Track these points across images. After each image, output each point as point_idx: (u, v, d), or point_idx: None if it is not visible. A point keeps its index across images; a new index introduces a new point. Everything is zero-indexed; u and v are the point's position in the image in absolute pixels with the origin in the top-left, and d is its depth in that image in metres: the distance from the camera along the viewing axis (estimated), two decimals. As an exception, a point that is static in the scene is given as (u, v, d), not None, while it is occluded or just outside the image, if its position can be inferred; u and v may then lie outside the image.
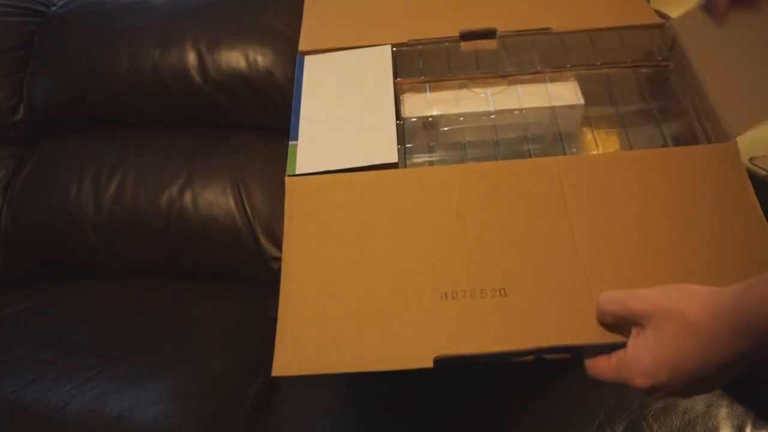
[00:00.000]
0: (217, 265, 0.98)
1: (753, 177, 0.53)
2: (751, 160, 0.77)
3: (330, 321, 0.47)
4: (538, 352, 0.46)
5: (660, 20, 0.64)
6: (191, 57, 1.03)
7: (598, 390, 0.65)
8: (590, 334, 0.45)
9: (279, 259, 0.51)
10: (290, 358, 0.46)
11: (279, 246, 0.51)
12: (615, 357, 0.43)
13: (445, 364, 0.45)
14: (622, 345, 0.43)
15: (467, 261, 0.48)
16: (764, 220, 0.48)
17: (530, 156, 0.57)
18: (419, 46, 0.65)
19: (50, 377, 0.76)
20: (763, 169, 0.75)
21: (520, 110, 0.60)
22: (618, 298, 0.43)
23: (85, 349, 0.81)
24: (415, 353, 0.45)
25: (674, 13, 0.64)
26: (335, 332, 0.46)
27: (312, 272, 0.49)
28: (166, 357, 0.79)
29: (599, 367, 0.44)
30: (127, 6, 1.07)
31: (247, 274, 0.98)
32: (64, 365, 0.78)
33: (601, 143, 0.57)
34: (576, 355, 0.47)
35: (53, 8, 1.12)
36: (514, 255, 0.48)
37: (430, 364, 0.44)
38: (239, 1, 1.05)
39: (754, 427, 0.62)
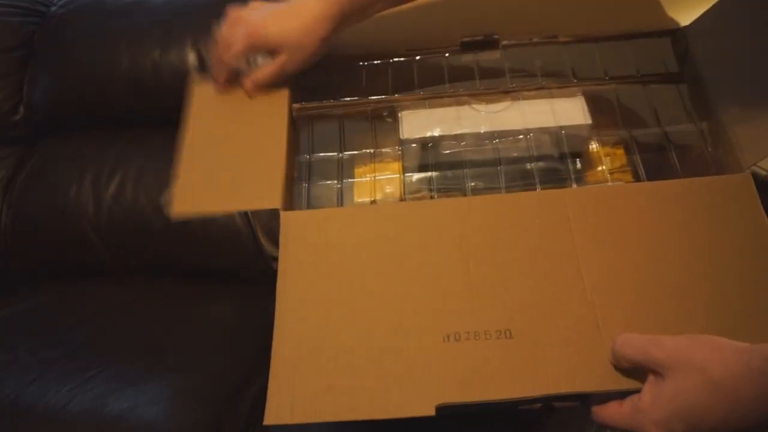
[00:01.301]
0: (217, 265, 0.98)
1: (754, 177, 0.51)
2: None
3: (325, 365, 0.45)
4: (547, 399, 0.43)
5: (672, 25, 0.61)
6: (191, 57, 1.03)
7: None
8: (601, 380, 0.42)
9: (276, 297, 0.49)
10: (283, 405, 0.44)
11: (278, 246, 0.50)
12: (629, 402, 0.41)
13: (448, 412, 0.43)
14: (634, 392, 0.41)
15: (470, 300, 0.46)
16: None
17: (534, 176, 0.54)
18: (418, 57, 0.62)
19: (50, 377, 0.76)
20: (763, 169, 0.74)
21: (524, 131, 0.57)
22: (638, 344, 0.41)
23: (85, 349, 0.81)
24: (416, 400, 0.43)
25: (686, 20, 0.60)
26: (331, 377, 0.44)
27: (307, 313, 0.47)
28: (166, 357, 0.79)
29: (610, 413, 0.42)
30: (127, 6, 1.07)
31: (247, 274, 0.97)
32: (64, 365, 0.78)
33: (607, 165, 0.54)
34: (586, 401, 0.44)
35: (53, 8, 1.12)
36: (519, 294, 0.46)
37: (432, 411, 0.42)
38: (239, 1, 1.05)
39: (753, 427, 0.62)
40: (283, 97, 0.59)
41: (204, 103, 0.60)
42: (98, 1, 1.09)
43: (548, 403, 0.44)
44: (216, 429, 0.72)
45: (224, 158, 0.56)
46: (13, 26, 1.11)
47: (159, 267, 0.99)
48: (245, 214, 0.98)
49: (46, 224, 1.01)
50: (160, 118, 1.06)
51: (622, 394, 0.42)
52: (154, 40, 1.03)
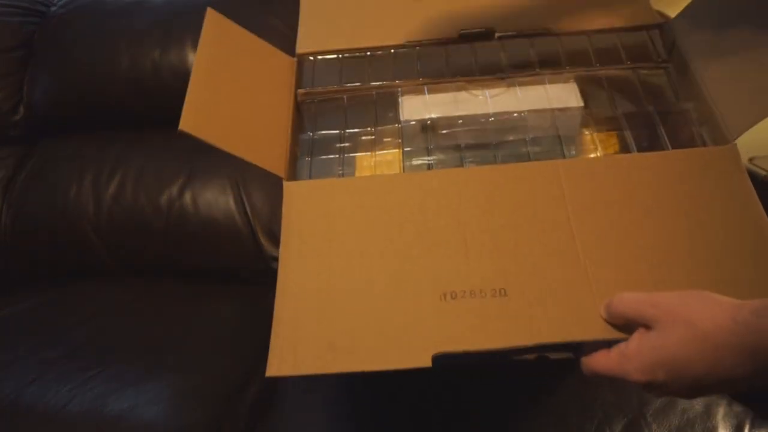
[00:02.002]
0: (217, 265, 0.98)
1: (753, 177, 0.53)
2: (751, 160, 0.77)
3: (326, 322, 0.47)
4: (540, 349, 0.45)
5: (660, 20, 0.64)
6: (191, 57, 1.03)
7: (598, 389, 0.65)
8: (593, 330, 0.44)
9: (278, 259, 0.51)
10: (285, 358, 0.45)
11: (279, 246, 0.51)
12: (615, 350, 0.43)
13: (444, 363, 0.44)
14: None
15: (466, 263, 0.48)
16: (767, 221, 0.48)
17: (529, 159, 0.56)
18: (417, 48, 0.65)
19: (50, 377, 0.76)
20: (763, 169, 0.75)
21: (519, 113, 0.59)
22: (632, 302, 0.42)
23: (85, 349, 0.81)
24: (414, 353, 0.45)
25: (673, 13, 0.64)
26: (331, 333, 0.46)
27: (308, 274, 0.49)
28: (165, 357, 0.79)
29: (597, 360, 0.44)
30: (127, 6, 1.08)
31: (247, 274, 0.98)
32: (64, 365, 0.78)
33: (600, 145, 0.57)
34: (579, 355, 0.46)
35: (53, 8, 1.12)
36: (514, 256, 0.48)
37: (428, 363, 0.44)
38: (239, 1, 1.05)
39: (752, 426, 0.62)
40: (288, 82, 0.62)
41: (217, 41, 0.60)
42: (98, 1, 1.09)
43: (542, 353, 0.46)
44: (216, 429, 0.72)
45: (233, 110, 0.57)
46: (13, 26, 1.11)
47: (159, 267, 0.99)
48: (245, 213, 0.98)
49: (46, 224, 1.01)
50: (160, 118, 1.06)
51: (610, 345, 0.43)
52: (154, 40, 1.03)
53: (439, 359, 0.44)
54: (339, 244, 0.50)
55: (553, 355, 0.47)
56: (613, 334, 0.44)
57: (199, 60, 0.56)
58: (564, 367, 0.68)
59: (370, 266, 0.49)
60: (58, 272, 1.01)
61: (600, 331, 0.44)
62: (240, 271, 0.98)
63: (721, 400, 0.64)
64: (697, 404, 0.64)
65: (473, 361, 0.46)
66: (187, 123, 0.51)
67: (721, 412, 0.63)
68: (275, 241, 0.96)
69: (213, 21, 0.59)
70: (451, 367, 0.45)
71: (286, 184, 0.53)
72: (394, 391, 0.68)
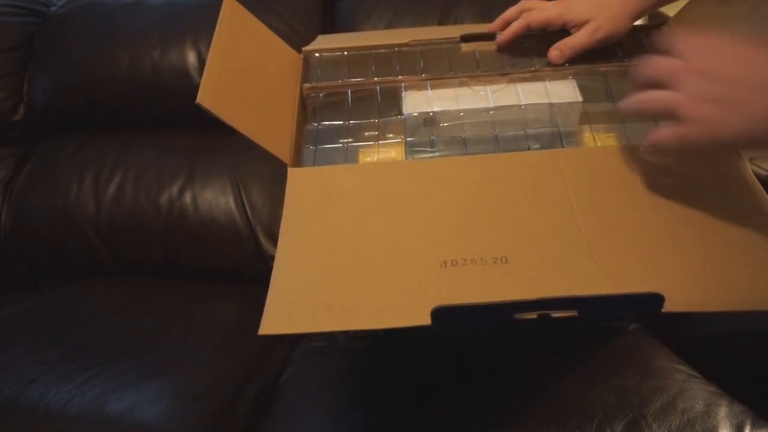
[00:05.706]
0: (217, 265, 0.98)
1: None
2: (751, 160, 0.77)
3: (324, 285, 0.47)
4: (542, 304, 0.44)
5: (658, 21, 0.65)
6: (191, 57, 1.03)
7: (598, 389, 0.65)
8: (596, 287, 0.45)
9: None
10: (280, 316, 0.45)
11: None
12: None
13: (443, 318, 0.43)
14: (626, 297, 0.43)
15: (467, 237, 0.48)
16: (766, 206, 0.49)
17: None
18: (420, 47, 0.66)
19: (50, 377, 0.76)
20: (763, 169, 0.75)
21: (520, 106, 0.60)
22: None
23: (85, 349, 0.81)
24: (412, 311, 0.44)
25: (672, 13, 0.65)
26: (329, 294, 0.46)
27: (307, 244, 0.49)
28: (166, 357, 0.79)
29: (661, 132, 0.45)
30: (127, 6, 1.08)
31: (247, 274, 0.98)
32: (64, 365, 0.78)
33: (599, 140, 0.57)
34: (583, 314, 0.45)
35: (53, 8, 1.12)
36: (515, 231, 0.49)
37: (427, 321, 0.43)
38: (239, 1, 1.05)
39: (753, 426, 0.62)
40: (295, 76, 0.63)
41: (233, 27, 0.61)
42: (98, 1, 1.09)
43: (544, 311, 0.44)
44: (216, 429, 0.72)
45: (244, 93, 0.57)
46: (13, 26, 1.11)
47: (159, 267, 0.99)
48: (245, 213, 0.98)
49: (46, 224, 1.01)
50: (160, 118, 1.06)
51: (618, 307, 0.44)
52: (154, 40, 1.04)
53: (439, 315, 0.43)
54: (340, 218, 0.51)
55: (556, 314, 0.45)
56: (616, 288, 0.44)
57: (216, 42, 0.57)
58: (564, 366, 0.68)
59: (369, 237, 0.49)
60: (58, 272, 1.01)
61: (603, 286, 0.45)
62: (240, 271, 0.98)
63: (722, 399, 0.64)
64: (698, 404, 0.63)
65: (473, 317, 0.45)
66: (205, 98, 0.51)
67: (722, 412, 0.63)
68: (275, 241, 0.96)
69: (230, 6, 0.61)
70: (451, 330, 0.43)
71: (290, 170, 0.54)
72: (394, 392, 0.68)
